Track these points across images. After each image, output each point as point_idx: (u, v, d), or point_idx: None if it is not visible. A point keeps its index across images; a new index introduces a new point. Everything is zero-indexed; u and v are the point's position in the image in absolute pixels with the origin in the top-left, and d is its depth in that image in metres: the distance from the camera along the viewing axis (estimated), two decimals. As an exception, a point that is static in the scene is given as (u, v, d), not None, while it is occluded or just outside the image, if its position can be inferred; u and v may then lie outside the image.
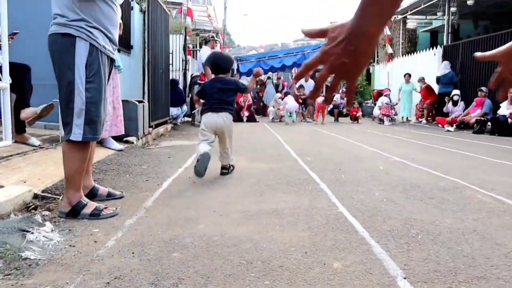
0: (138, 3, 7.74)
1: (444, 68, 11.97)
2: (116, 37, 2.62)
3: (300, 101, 12.65)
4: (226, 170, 3.92)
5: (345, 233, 2.26)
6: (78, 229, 2.30)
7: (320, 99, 11.10)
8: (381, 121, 12.44)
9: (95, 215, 2.49)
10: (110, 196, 2.91)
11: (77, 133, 2.42)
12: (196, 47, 14.38)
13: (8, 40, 3.70)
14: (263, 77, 20.73)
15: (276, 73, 20.73)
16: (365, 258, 1.92)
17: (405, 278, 1.71)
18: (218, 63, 3.92)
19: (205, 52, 8.74)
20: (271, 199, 2.98)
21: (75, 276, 1.71)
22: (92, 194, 2.83)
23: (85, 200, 2.53)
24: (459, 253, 2.01)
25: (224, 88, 3.80)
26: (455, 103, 10.89)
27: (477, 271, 1.80)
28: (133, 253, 1.96)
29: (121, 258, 1.90)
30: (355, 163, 4.67)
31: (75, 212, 2.47)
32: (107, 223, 2.40)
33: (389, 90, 12.57)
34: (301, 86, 12.70)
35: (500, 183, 3.67)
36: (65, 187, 2.52)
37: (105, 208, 2.57)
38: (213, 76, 3.98)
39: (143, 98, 6.99)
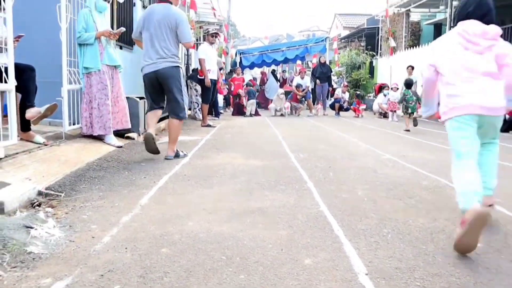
0: (140, -1, 7.91)
1: None
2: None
3: (299, 97, 12.98)
4: None
5: (322, 232, 2.46)
6: (78, 225, 2.51)
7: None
8: (381, 115, 12.53)
9: (182, 156, 4.77)
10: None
11: (186, 116, 4.79)
12: (199, 40, 14.49)
13: (14, 43, 3.89)
14: (266, 70, 20.84)
15: (280, 65, 20.85)
16: (335, 255, 2.12)
17: (366, 275, 1.91)
18: None
19: (203, 48, 8.89)
20: (259, 198, 3.18)
21: (73, 269, 1.93)
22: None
23: (179, 151, 4.79)
24: (422, 251, 2.20)
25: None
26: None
27: (434, 269, 1.99)
28: (126, 248, 2.18)
29: (115, 253, 2.11)
30: (347, 161, 4.85)
31: (177, 155, 4.72)
32: (104, 220, 2.62)
33: (397, 84, 12.46)
34: (299, 85, 12.95)
35: (481, 182, 3.84)
36: (171, 144, 4.72)
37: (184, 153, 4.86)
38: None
39: (145, 94, 7.19)
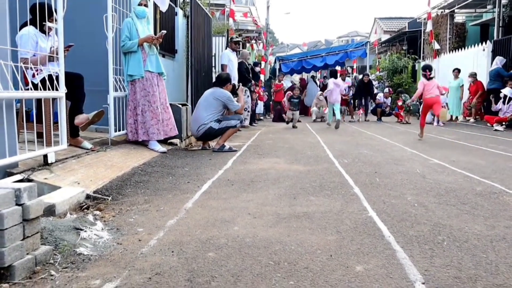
0: (181, 8, 8.05)
1: (494, 63, 11.46)
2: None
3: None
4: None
5: (372, 238, 2.36)
6: (125, 228, 2.54)
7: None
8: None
9: (226, 150, 5.72)
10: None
11: (238, 125, 5.99)
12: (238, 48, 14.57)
13: (64, 52, 4.03)
14: (305, 76, 20.73)
15: (319, 71, 20.68)
16: (388, 262, 2.02)
17: (423, 284, 1.80)
18: None
19: (226, 54, 8.92)
20: (304, 203, 3.11)
21: (122, 271, 1.93)
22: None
23: (226, 145, 5.80)
24: (483, 260, 2.06)
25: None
26: (505, 101, 10.46)
27: (498, 279, 1.85)
28: (172, 251, 2.17)
29: (162, 256, 2.11)
30: (392, 166, 4.69)
31: (222, 149, 5.69)
32: (150, 223, 2.63)
33: (445, 88, 11.95)
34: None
35: (541, 188, 3.60)
36: (221, 140, 5.76)
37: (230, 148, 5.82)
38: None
39: (187, 101, 7.29)
